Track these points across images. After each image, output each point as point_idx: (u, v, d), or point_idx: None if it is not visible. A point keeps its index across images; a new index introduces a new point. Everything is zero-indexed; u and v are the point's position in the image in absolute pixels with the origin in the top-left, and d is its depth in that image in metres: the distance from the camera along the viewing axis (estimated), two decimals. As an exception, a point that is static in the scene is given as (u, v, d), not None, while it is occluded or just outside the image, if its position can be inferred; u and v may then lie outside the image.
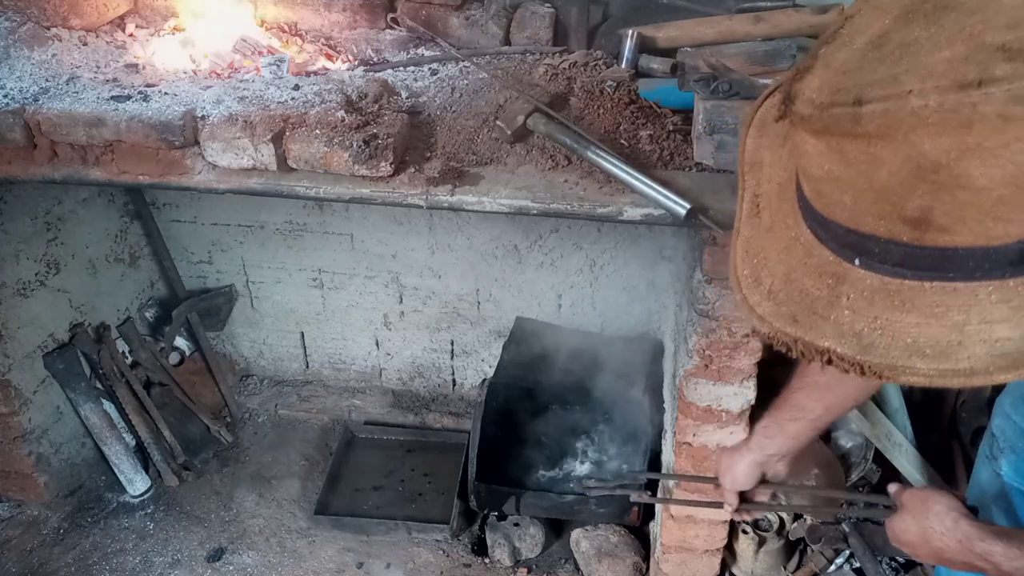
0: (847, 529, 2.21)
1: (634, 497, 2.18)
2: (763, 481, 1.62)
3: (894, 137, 0.65)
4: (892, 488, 1.38)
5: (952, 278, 0.69)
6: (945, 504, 1.22)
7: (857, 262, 0.74)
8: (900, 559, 2.24)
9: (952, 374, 0.70)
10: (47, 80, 1.93)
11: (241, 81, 1.95)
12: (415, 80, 2.01)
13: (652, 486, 2.34)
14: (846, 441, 2.52)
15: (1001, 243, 0.66)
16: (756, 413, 1.96)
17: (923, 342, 0.71)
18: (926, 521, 1.23)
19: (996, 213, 0.64)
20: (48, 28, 2.07)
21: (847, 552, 2.26)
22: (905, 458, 2.28)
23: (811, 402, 1.50)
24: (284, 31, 2.21)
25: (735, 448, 1.66)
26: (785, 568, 2.34)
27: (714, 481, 1.76)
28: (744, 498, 1.65)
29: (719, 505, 1.88)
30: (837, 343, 0.76)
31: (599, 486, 2.27)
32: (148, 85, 1.92)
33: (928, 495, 1.26)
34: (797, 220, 0.82)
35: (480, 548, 2.61)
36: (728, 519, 2.13)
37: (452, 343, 3.05)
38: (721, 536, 2.17)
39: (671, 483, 2.17)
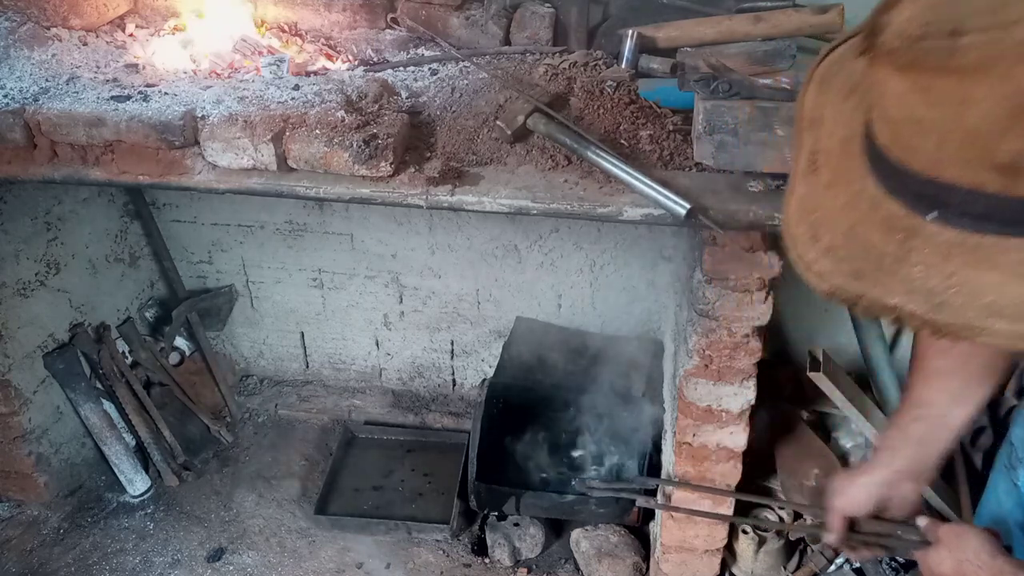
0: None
1: (640, 502, 2.18)
2: (876, 517, 1.38)
3: (993, 72, 0.61)
4: (923, 522, 1.31)
5: None
6: (981, 539, 1.20)
7: (933, 215, 0.69)
8: (900, 559, 2.24)
9: None
10: (47, 80, 1.93)
11: (241, 81, 1.95)
12: (415, 80, 2.01)
13: (652, 490, 2.34)
14: (846, 441, 2.52)
15: None
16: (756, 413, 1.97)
17: (1004, 303, 0.66)
18: (962, 555, 1.20)
19: None
20: (48, 28, 2.07)
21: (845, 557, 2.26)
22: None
23: (933, 393, 1.32)
24: (284, 31, 2.21)
25: (857, 466, 1.46)
26: (785, 568, 2.34)
27: (716, 491, 1.73)
28: (853, 528, 1.39)
29: (724, 517, 1.86)
30: (907, 300, 0.71)
31: (601, 487, 2.27)
32: (148, 85, 1.92)
33: (964, 530, 1.24)
34: (863, 174, 0.77)
35: (480, 548, 2.61)
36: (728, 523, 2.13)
37: (452, 343, 3.05)
38: (721, 536, 2.17)
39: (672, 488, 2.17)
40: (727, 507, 2.09)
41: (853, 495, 1.37)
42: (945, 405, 1.31)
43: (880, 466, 1.36)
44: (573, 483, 2.53)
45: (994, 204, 0.66)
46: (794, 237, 0.85)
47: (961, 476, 2.26)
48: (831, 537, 1.41)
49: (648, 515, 2.51)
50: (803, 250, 0.83)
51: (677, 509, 2.11)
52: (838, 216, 0.80)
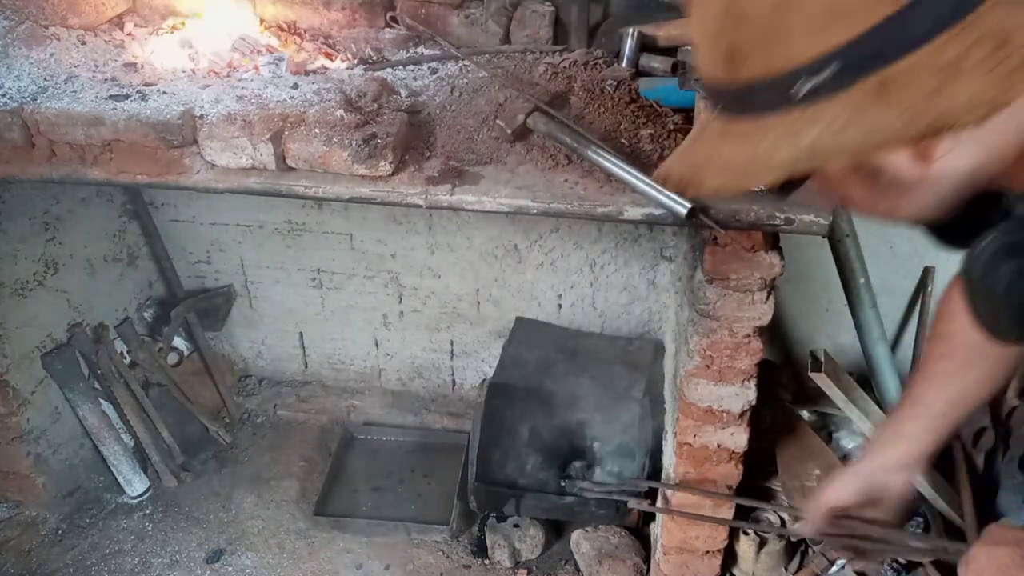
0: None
1: (632, 504, 2.17)
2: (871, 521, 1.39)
3: None
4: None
5: (757, 110, 0.81)
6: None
7: (714, 107, 0.87)
8: (901, 560, 2.23)
9: (732, 186, 0.84)
10: (45, 79, 1.92)
11: (240, 80, 1.94)
12: (414, 79, 2.00)
13: (652, 492, 2.33)
14: (847, 442, 2.51)
15: (779, 72, 0.77)
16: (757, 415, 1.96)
17: (730, 162, 0.84)
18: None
19: (767, 43, 0.77)
20: (46, 27, 2.06)
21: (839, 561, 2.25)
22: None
23: (931, 393, 1.36)
24: (283, 30, 2.20)
25: (849, 464, 1.46)
26: (786, 569, 2.33)
27: (715, 495, 1.72)
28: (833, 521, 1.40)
29: (723, 521, 1.86)
30: (680, 168, 0.90)
31: (595, 488, 2.26)
32: (146, 84, 1.92)
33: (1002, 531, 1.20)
34: None
35: (480, 549, 2.61)
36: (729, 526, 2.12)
37: (452, 343, 3.05)
38: (722, 537, 2.17)
39: (669, 491, 2.16)
40: (726, 509, 2.08)
41: (839, 484, 1.38)
42: (942, 407, 1.34)
43: (870, 458, 1.39)
44: (562, 483, 2.52)
45: (728, 90, 0.83)
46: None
47: (963, 477, 2.26)
48: (805, 526, 1.43)
49: (649, 516, 2.51)
50: (679, 149, 0.98)
51: (669, 511, 2.11)
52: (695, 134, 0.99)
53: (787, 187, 0.90)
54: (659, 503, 2.26)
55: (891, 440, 1.38)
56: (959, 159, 0.81)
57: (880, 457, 1.37)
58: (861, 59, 0.75)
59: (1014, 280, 0.95)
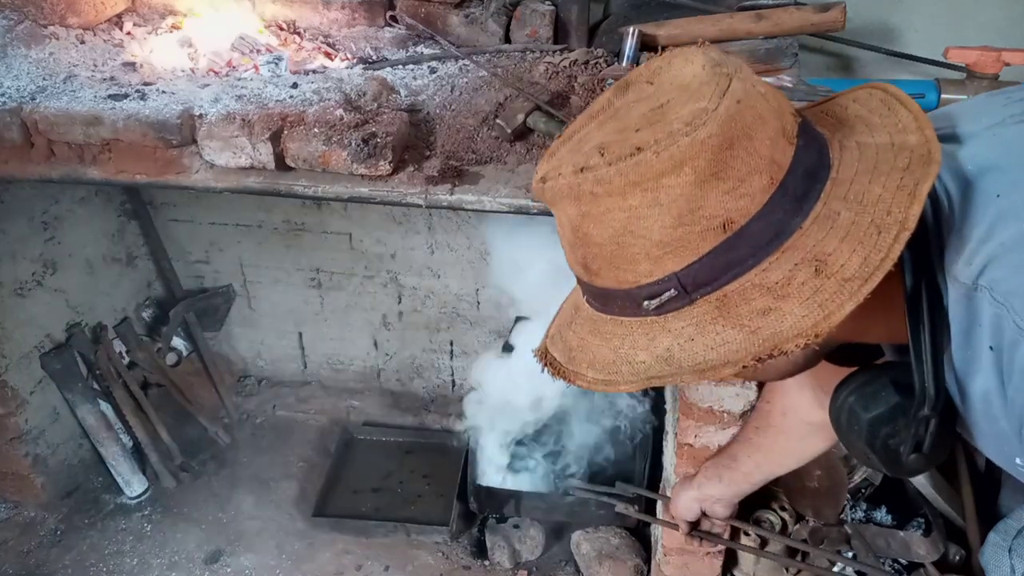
0: (849, 531, 2.20)
1: (619, 508, 2.18)
2: (741, 517, 1.85)
3: (557, 205, 0.90)
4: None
5: (616, 312, 0.92)
6: None
7: (586, 297, 0.97)
8: (903, 560, 2.22)
9: (602, 383, 0.93)
10: (44, 79, 1.92)
11: (239, 79, 1.94)
12: (414, 78, 1.99)
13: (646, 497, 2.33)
14: (848, 442, 2.50)
15: (628, 287, 0.88)
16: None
17: (597, 359, 0.94)
18: None
19: (615, 264, 0.88)
20: (45, 26, 2.06)
21: (850, 554, 2.25)
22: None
23: (744, 456, 1.70)
24: (282, 29, 2.20)
25: (687, 479, 1.82)
26: (787, 571, 2.32)
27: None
28: (696, 524, 1.88)
29: (719, 539, 2.00)
30: (558, 352, 1.00)
31: (584, 487, 2.26)
32: (145, 84, 1.91)
33: None
34: None
35: (480, 550, 2.60)
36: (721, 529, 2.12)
37: (451, 343, 3.04)
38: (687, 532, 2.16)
39: (659, 501, 2.16)
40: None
41: (678, 504, 1.84)
42: (750, 468, 1.70)
43: (697, 487, 1.79)
44: (554, 479, 2.51)
45: (590, 291, 0.95)
46: (560, 306, 1.10)
47: (964, 477, 2.25)
48: (680, 532, 1.89)
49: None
50: (554, 317, 1.09)
51: (650, 519, 2.13)
52: (572, 294, 1.06)
53: None
54: (659, 507, 2.26)
55: (711, 478, 1.76)
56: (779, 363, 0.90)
57: (706, 488, 1.78)
58: (697, 281, 0.85)
59: (873, 430, 1.02)
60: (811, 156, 0.87)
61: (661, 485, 2.35)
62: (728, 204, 0.82)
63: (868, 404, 1.01)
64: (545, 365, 1.02)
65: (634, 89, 0.94)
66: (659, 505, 2.25)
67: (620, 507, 2.15)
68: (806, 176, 0.85)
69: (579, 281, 0.97)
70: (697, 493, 1.79)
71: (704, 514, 1.87)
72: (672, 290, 0.85)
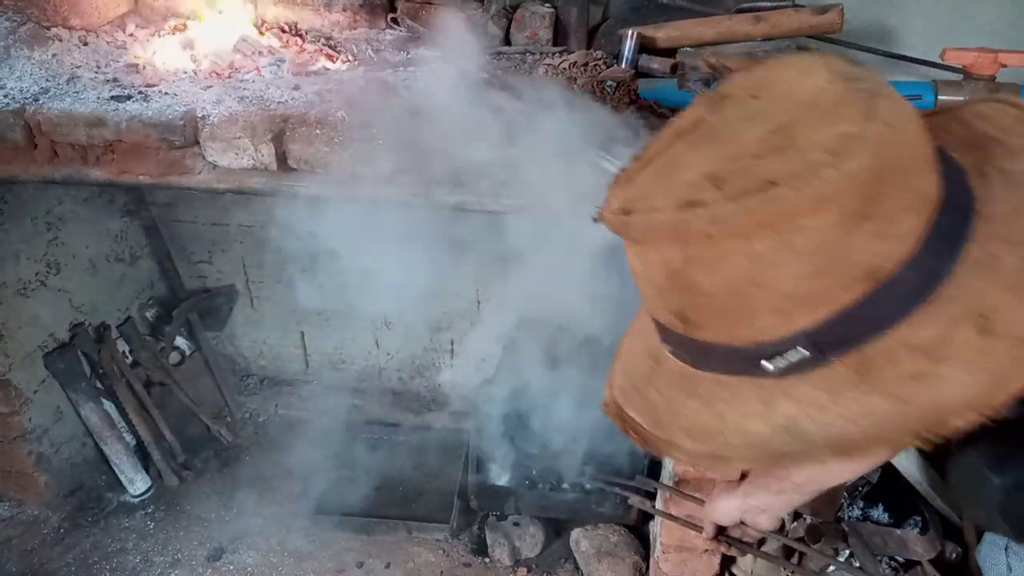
0: (846, 529, 2.21)
1: (633, 501, 2.17)
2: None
3: (648, 244, 0.74)
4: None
5: (719, 370, 0.77)
6: None
7: (669, 349, 0.82)
8: (899, 559, 2.24)
9: (709, 457, 0.78)
10: (47, 80, 1.93)
11: (241, 81, 1.95)
12: (415, 80, 2.01)
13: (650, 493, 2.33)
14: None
15: (742, 344, 0.73)
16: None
17: (696, 426, 0.78)
18: None
19: (727, 317, 0.73)
20: (48, 28, 2.07)
21: (847, 551, 2.26)
22: (905, 457, 2.28)
23: (796, 466, 1.46)
24: (284, 31, 2.21)
25: (730, 485, 1.60)
26: (784, 568, 2.33)
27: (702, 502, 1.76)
28: (723, 530, 1.65)
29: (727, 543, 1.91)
30: (640, 415, 0.85)
31: (598, 477, 2.25)
32: (148, 85, 1.93)
33: None
34: None
35: (480, 547, 2.61)
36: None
37: (452, 343, 3.05)
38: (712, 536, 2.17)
39: (667, 493, 2.16)
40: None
41: (722, 511, 1.58)
42: (802, 479, 1.47)
43: (744, 496, 1.55)
44: (561, 472, 2.49)
45: (684, 344, 0.79)
46: (620, 349, 0.97)
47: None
48: (704, 537, 1.62)
49: (648, 515, 2.51)
50: (616, 365, 0.95)
51: (681, 521, 2.11)
52: (638, 339, 0.92)
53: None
54: (659, 503, 2.27)
55: (760, 488, 1.51)
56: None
57: (753, 497, 1.52)
58: (833, 340, 0.70)
59: (1008, 497, 0.91)
60: (955, 187, 0.73)
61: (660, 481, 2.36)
62: (876, 248, 0.68)
63: (1002, 467, 0.90)
64: (625, 430, 0.85)
65: (734, 104, 0.78)
66: (658, 499, 2.26)
67: (635, 500, 2.14)
68: (955, 212, 0.72)
69: (664, 331, 0.81)
70: (742, 502, 1.63)
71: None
72: (801, 349, 0.71)
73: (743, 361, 0.74)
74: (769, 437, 0.73)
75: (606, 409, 0.90)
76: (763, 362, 0.72)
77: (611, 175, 0.82)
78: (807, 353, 0.71)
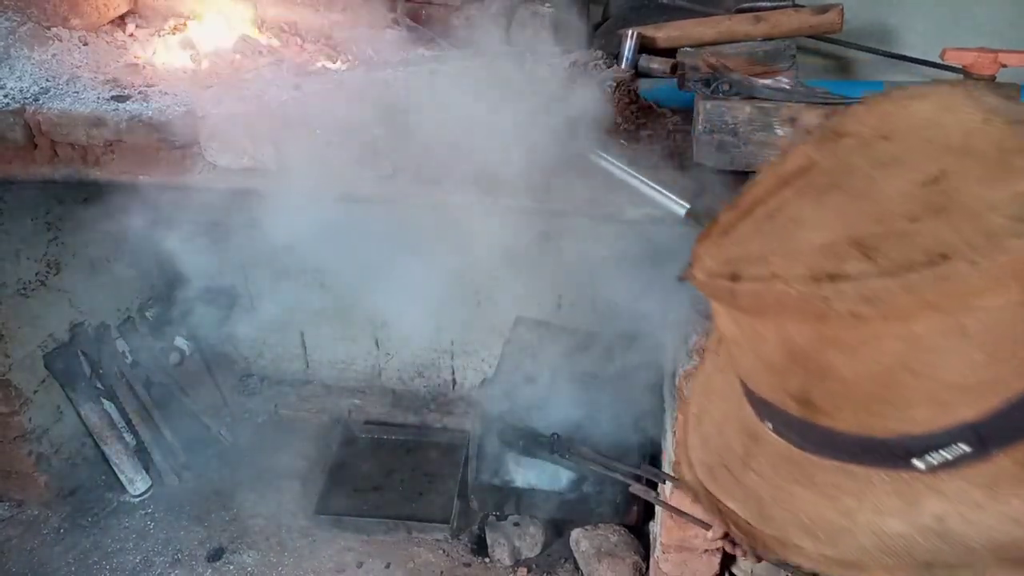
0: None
1: (635, 489, 2.16)
2: None
3: (766, 316, 0.63)
4: None
5: (846, 459, 0.65)
6: None
7: (770, 426, 0.71)
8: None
9: (837, 563, 0.67)
10: (47, 80, 1.93)
11: (241, 81, 1.95)
12: (415, 80, 2.00)
13: (651, 484, 2.33)
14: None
15: (883, 436, 0.62)
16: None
17: (816, 522, 0.68)
18: None
19: (870, 407, 0.62)
20: (48, 28, 2.07)
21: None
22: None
23: None
24: (284, 31, 2.21)
25: None
26: (784, 569, 2.33)
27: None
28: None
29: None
30: (741, 506, 0.73)
31: (594, 457, 2.23)
32: (148, 85, 1.93)
33: None
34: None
35: (480, 548, 2.61)
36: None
37: (452, 343, 3.05)
38: (721, 535, 2.17)
39: (668, 487, 2.16)
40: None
41: None
42: None
43: None
44: (557, 449, 2.47)
45: (800, 427, 0.67)
46: (687, 417, 0.85)
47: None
48: (712, 535, 1.50)
49: (648, 515, 2.51)
50: (690, 431, 0.83)
51: (690, 517, 2.11)
52: (718, 405, 0.81)
53: None
54: (663, 499, 2.26)
55: None
56: None
57: None
58: (1001, 433, 0.60)
59: None
60: None
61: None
62: None
63: None
64: (723, 521, 0.75)
65: (855, 145, 0.66)
66: (660, 491, 2.26)
67: (638, 488, 2.13)
68: None
69: (769, 408, 0.69)
70: None
71: None
72: (960, 445, 0.60)
73: (882, 455, 0.63)
74: (913, 540, 0.63)
75: (687, 489, 0.79)
76: (913, 458, 0.62)
77: (696, 223, 0.73)
78: (968, 448, 0.60)
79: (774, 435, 0.70)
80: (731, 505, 0.74)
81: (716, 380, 0.83)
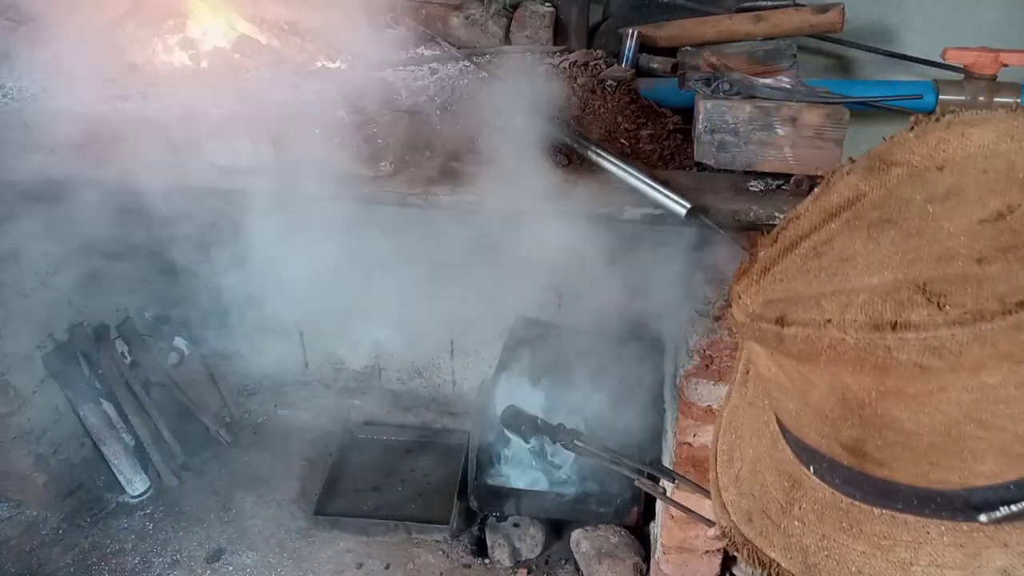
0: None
1: (640, 483, 2.16)
2: None
3: (817, 363, 0.59)
4: None
5: (901, 509, 0.62)
6: None
7: (811, 470, 0.67)
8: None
9: None
10: (47, 80, 1.93)
11: (241, 80, 1.95)
12: (415, 79, 2.00)
13: (652, 479, 2.33)
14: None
15: (944, 488, 0.59)
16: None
17: (867, 575, 0.64)
18: None
19: (931, 459, 0.58)
20: (48, 28, 2.07)
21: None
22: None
23: None
24: (284, 30, 2.20)
25: None
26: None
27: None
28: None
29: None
30: (783, 556, 0.69)
31: (589, 448, 2.23)
32: (148, 85, 1.92)
33: None
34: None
35: (480, 549, 2.61)
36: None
37: (452, 343, 3.05)
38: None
39: (670, 484, 2.16)
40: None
41: None
42: None
43: None
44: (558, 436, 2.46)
45: (850, 476, 0.63)
46: (716, 453, 0.82)
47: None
48: (713, 533, 1.45)
49: (648, 515, 2.51)
50: (721, 470, 0.80)
51: (694, 514, 2.10)
52: (749, 442, 0.77)
53: None
54: (658, 500, 2.26)
55: None
56: None
57: None
58: None
59: None
60: None
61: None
62: None
63: None
64: (767, 572, 0.70)
65: (908, 176, 0.62)
66: (667, 490, 2.25)
67: (642, 483, 2.13)
68: None
69: (814, 456, 0.66)
70: None
71: None
72: None
73: (941, 506, 0.59)
74: None
75: (726, 540, 0.74)
76: (977, 512, 0.58)
77: (731, 256, 0.69)
78: None
79: (816, 479, 0.66)
80: (772, 555, 0.69)
81: (745, 416, 0.79)
